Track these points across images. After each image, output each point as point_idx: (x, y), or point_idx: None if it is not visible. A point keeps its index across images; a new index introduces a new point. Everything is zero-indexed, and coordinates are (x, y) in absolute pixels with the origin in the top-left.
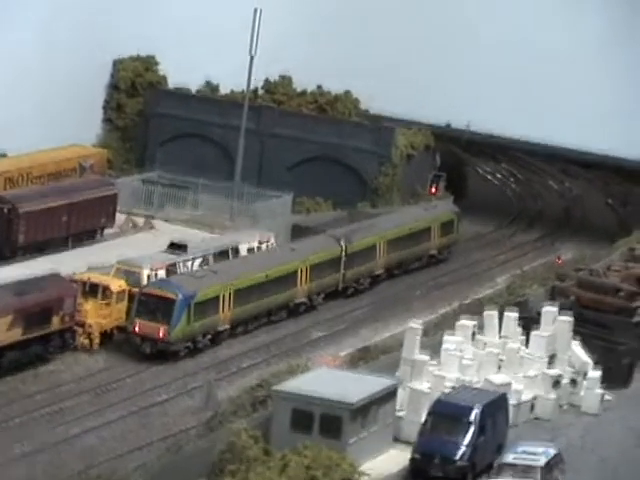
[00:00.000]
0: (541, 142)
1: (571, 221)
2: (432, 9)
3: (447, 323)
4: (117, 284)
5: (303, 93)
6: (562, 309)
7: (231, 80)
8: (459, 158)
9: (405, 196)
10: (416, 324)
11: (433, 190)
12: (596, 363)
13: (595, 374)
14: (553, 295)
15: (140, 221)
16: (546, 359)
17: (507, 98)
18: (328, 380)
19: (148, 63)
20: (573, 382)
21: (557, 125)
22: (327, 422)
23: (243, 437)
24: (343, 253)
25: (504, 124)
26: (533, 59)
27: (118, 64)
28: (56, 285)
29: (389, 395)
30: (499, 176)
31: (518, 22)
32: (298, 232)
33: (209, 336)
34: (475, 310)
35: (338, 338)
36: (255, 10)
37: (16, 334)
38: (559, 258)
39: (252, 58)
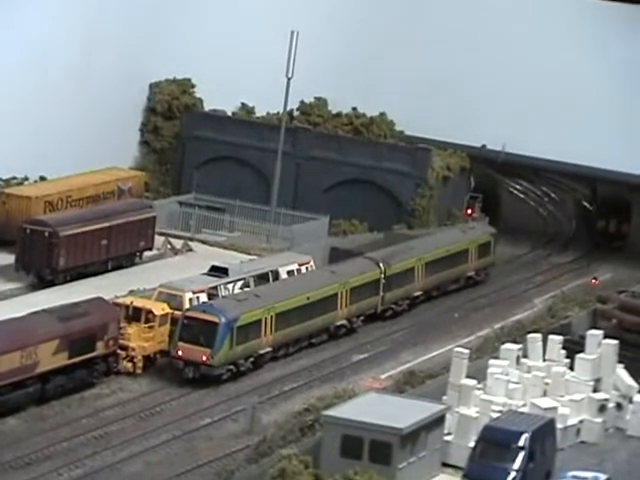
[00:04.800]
0: (575, 163)
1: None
2: (467, 33)
3: (488, 346)
4: (160, 308)
5: (338, 115)
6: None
7: (266, 102)
8: (493, 179)
9: (441, 218)
10: (463, 349)
11: (469, 212)
12: None
13: None
14: (595, 318)
15: (178, 244)
16: (592, 383)
17: (542, 120)
18: (377, 405)
19: (184, 86)
20: (619, 406)
21: (591, 146)
22: (377, 448)
23: (294, 463)
24: (382, 275)
25: (539, 146)
26: (567, 82)
27: (154, 87)
28: (100, 310)
29: (438, 420)
30: (533, 197)
31: (554, 46)
32: (335, 254)
33: (251, 359)
34: (516, 333)
35: (378, 361)
36: (292, 33)
37: (62, 359)
38: (595, 279)
39: (289, 80)
